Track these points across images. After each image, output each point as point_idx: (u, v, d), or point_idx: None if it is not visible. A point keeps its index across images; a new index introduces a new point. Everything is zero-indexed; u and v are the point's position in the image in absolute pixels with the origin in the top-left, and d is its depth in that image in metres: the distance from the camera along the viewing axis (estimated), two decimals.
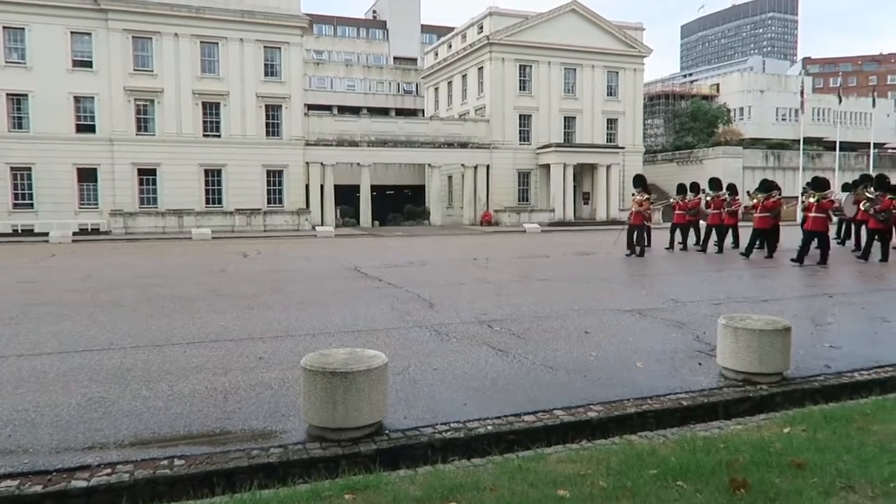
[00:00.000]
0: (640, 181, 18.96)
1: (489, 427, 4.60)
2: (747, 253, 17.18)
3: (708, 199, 19.60)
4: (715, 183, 19.67)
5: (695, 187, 20.57)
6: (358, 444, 4.25)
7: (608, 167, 43.21)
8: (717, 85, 71.35)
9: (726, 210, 18.80)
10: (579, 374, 5.91)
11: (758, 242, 17.62)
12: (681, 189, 20.46)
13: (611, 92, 46.53)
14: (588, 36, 44.95)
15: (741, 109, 65.11)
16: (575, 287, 12.12)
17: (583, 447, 4.28)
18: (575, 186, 43.55)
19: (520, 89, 44.25)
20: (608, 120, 46.57)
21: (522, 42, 43.67)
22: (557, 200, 42.08)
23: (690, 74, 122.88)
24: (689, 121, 60.29)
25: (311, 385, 4.31)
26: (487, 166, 43.16)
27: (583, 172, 44.14)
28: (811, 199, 15.83)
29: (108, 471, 3.84)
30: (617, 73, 46.56)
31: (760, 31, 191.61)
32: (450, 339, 7.33)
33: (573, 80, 45.46)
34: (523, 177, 44.45)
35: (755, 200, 17.76)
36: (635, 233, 17.81)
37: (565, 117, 45.41)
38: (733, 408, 5.25)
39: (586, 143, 44.55)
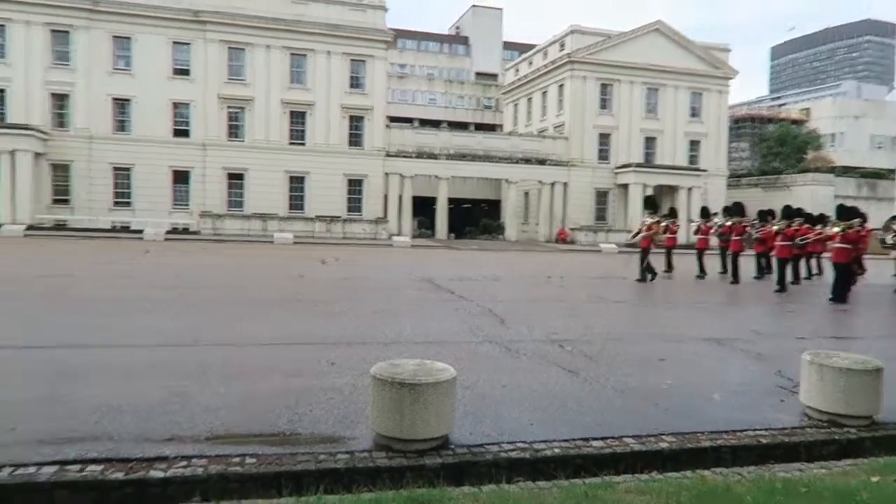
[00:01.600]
0: (650, 203, 18.16)
1: (556, 450, 4.51)
2: (835, 296, 14.60)
3: (774, 228, 18.07)
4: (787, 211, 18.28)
5: (763, 215, 18.89)
6: (423, 457, 4.25)
7: (689, 189, 41.96)
8: (808, 109, 68.14)
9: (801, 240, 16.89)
10: (652, 401, 5.73)
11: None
12: (762, 216, 19.19)
13: (694, 113, 45.30)
14: (671, 56, 43.99)
15: (832, 136, 61.89)
16: (651, 311, 11.79)
17: (653, 478, 4.14)
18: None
19: (600, 108, 43.73)
20: (691, 142, 45.33)
21: (604, 61, 43.19)
22: (635, 221, 41.12)
23: (779, 98, 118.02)
24: (776, 145, 57.80)
25: (379, 394, 4.36)
26: (565, 184, 42.75)
27: (662, 194, 42.91)
28: (835, 229, 14.60)
29: (184, 463, 3.99)
30: (701, 94, 45.31)
31: (856, 54, 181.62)
32: (520, 357, 7.26)
33: (655, 101, 44.54)
34: (601, 196, 43.78)
35: (835, 230, 16.52)
36: (646, 258, 16.60)
37: (646, 137, 44.51)
38: (817, 450, 4.95)
39: (667, 165, 43.46)
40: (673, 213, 20.54)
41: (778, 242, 15.91)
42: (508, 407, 5.39)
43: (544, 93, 47.86)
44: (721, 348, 8.31)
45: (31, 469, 3.81)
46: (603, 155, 43.99)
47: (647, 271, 16.57)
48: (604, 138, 43.96)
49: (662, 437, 4.85)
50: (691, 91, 45.06)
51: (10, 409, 4.83)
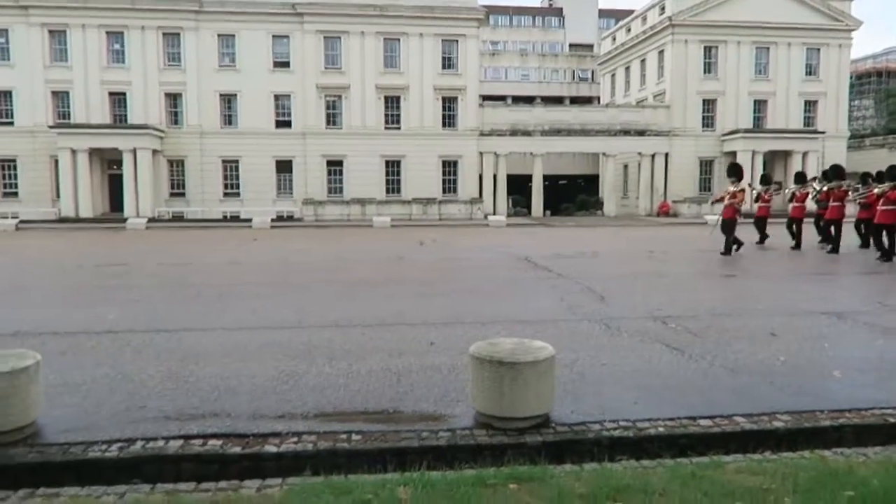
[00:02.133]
0: (734, 170, 16.71)
1: (660, 428, 4.39)
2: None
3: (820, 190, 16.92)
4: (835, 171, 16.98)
5: (865, 178, 16.80)
6: (524, 435, 4.26)
7: (804, 154, 39.19)
8: None
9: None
10: (764, 378, 5.45)
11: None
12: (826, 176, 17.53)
13: (810, 71, 42.04)
14: (783, 11, 40.90)
15: None
16: (762, 284, 11.19)
17: (766, 458, 3.94)
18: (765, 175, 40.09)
19: (704, 72, 41.52)
20: (806, 102, 42.20)
21: (708, 22, 40.88)
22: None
23: None
24: None
25: (478, 373, 4.39)
26: (666, 154, 41.12)
27: (774, 160, 40.40)
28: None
29: (295, 439, 4.20)
30: (818, 49, 42.00)
31: None
32: (621, 334, 7.10)
33: (765, 60, 41.74)
34: (705, 165, 41.77)
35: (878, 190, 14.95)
36: (731, 228, 15.57)
37: (755, 101, 41.88)
38: None
39: (779, 129, 40.77)
40: (767, 180, 19.51)
41: (879, 207, 14.45)
42: (610, 385, 5.29)
43: (643, 60, 46.04)
44: (842, 322, 7.76)
45: (160, 442, 4.13)
46: (707, 122, 41.86)
47: (733, 243, 15.60)
48: (708, 104, 41.78)
49: (777, 415, 4.60)
50: (807, 47, 41.84)
51: (140, 388, 5.25)
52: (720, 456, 4.01)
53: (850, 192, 16.47)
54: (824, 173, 17.46)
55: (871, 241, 15.52)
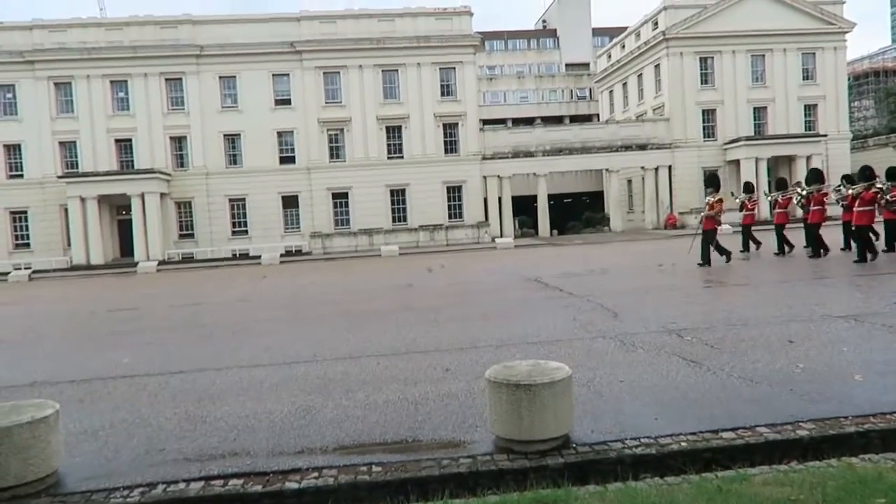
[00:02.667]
0: (712, 180, 16.54)
1: (683, 444, 4.34)
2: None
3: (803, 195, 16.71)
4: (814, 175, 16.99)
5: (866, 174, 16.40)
6: (545, 457, 4.22)
7: (808, 158, 39.13)
8: None
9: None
10: (784, 387, 5.39)
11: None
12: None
13: (807, 76, 42.22)
14: (777, 17, 41.25)
15: None
16: (776, 291, 11.10)
17: (792, 469, 3.88)
18: (769, 182, 40.05)
19: (701, 83, 41.77)
20: (805, 106, 42.29)
21: (702, 33, 41.23)
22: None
23: None
24: None
25: (496, 397, 4.37)
26: (669, 167, 41.20)
27: (777, 166, 40.36)
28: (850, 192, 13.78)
29: (316, 474, 4.18)
30: (813, 54, 42.21)
31: None
32: (636, 350, 7.05)
33: (762, 68, 41.97)
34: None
35: (850, 192, 15.08)
36: (710, 240, 15.45)
37: (754, 108, 42.01)
38: None
39: (780, 135, 40.80)
40: (749, 189, 19.51)
41: (856, 208, 14.56)
42: (629, 402, 5.24)
43: (640, 75, 46.37)
44: (860, 325, 7.68)
45: (181, 485, 4.12)
46: (708, 132, 41.98)
47: (720, 252, 15.56)
48: (708, 114, 41.94)
49: (800, 424, 4.54)
50: (802, 52, 42.07)
51: (158, 431, 5.25)
52: (746, 469, 3.96)
53: (830, 195, 16.50)
54: (807, 178, 17.29)
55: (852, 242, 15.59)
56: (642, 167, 41.39)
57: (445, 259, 25.60)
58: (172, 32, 37.91)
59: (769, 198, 19.44)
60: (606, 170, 41.92)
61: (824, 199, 16.40)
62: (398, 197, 39.85)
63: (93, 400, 6.39)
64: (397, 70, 39.38)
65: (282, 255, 34.43)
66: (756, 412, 4.81)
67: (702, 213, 16.14)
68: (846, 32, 42.58)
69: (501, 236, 37.44)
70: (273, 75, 38.76)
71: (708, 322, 8.42)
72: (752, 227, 19.05)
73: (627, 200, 45.72)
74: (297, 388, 6.32)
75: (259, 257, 33.08)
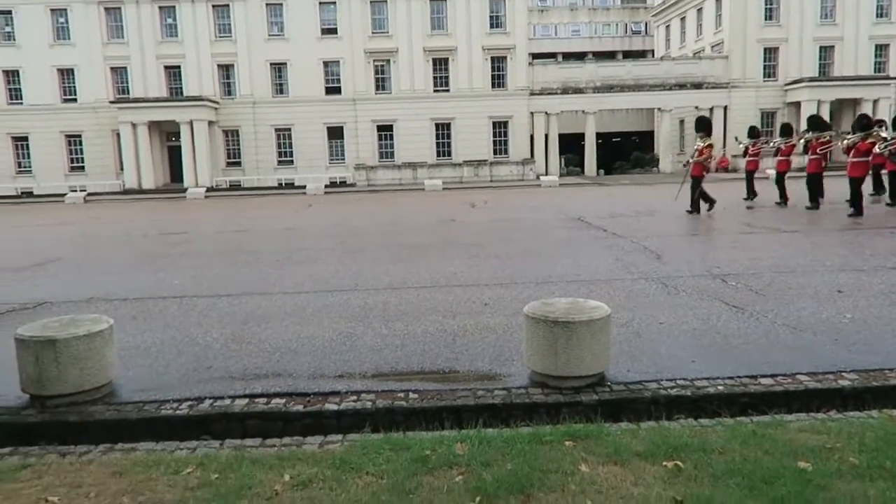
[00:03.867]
0: (703, 124, 15.65)
1: (720, 387, 4.32)
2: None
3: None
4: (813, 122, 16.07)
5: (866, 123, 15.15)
6: (579, 394, 4.26)
7: (875, 102, 37.08)
8: None
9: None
10: (829, 336, 5.28)
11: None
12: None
13: (881, 13, 39.46)
14: None
15: None
16: (828, 239, 10.77)
17: (830, 418, 3.84)
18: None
19: (765, 18, 39.46)
20: (877, 46, 39.71)
21: None
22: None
23: None
24: None
25: (533, 333, 4.40)
26: (725, 107, 39.57)
27: (842, 109, 38.37)
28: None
29: (355, 398, 4.32)
30: None
31: None
32: (678, 293, 6.97)
33: (832, 3, 39.32)
34: (767, 117, 39.97)
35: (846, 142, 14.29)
36: (698, 187, 14.85)
37: (821, 47, 39.65)
38: None
39: (847, 76, 38.59)
40: (754, 133, 18.63)
41: (850, 159, 14.06)
42: (667, 344, 5.22)
43: (700, 9, 44.06)
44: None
45: (227, 401, 4.32)
46: (769, 72, 39.96)
47: (705, 200, 14.90)
48: (770, 53, 39.82)
49: (842, 373, 4.47)
50: None
51: (206, 350, 5.48)
52: (782, 415, 3.93)
53: (833, 143, 15.56)
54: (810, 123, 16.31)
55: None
56: (696, 107, 39.82)
57: (489, 195, 25.45)
58: None
59: (754, 144, 18.59)
60: (659, 109, 40.57)
61: (819, 147, 15.40)
62: (443, 131, 39.43)
63: (145, 318, 6.67)
64: (445, 0, 38.29)
65: (326, 186, 34.70)
66: (797, 360, 4.74)
67: (690, 158, 15.44)
68: None
69: (547, 174, 36.89)
70: (320, 3, 38.13)
71: (755, 268, 8.23)
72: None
73: (679, 142, 44.27)
74: (339, 315, 6.47)
75: (304, 187, 33.43)
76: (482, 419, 3.98)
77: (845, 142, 14.22)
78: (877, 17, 39.48)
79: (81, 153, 38.87)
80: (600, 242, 11.15)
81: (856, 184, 13.68)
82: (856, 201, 13.68)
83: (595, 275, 8.18)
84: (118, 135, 37.18)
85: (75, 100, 38.34)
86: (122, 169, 37.65)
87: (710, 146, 15.08)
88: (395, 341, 5.53)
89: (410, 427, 3.98)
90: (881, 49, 39.85)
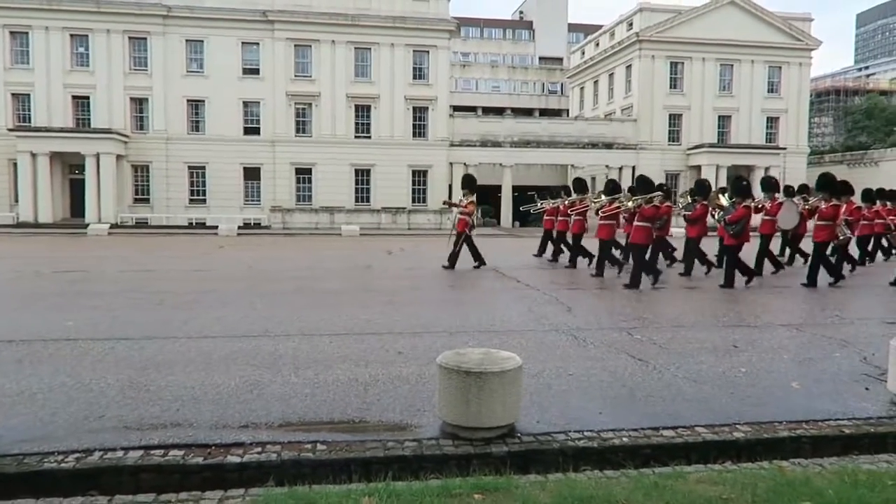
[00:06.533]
0: (468, 181, 16.16)
1: (625, 439, 4.44)
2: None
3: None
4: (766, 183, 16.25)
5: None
6: (490, 445, 4.27)
7: (766, 169, 40.03)
8: None
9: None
10: (725, 390, 5.56)
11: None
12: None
13: (772, 88, 43.27)
14: (747, 29, 42.11)
15: None
16: (725, 296, 11.40)
17: (726, 469, 4.02)
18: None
19: (670, 87, 42.43)
20: (768, 118, 43.40)
21: (674, 38, 41.83)
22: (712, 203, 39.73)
23: (867, 68, 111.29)
24: (863, 119, 54.72)
25: (445, 383, 4.39)
26: (633, 167, 41.71)
27: (739, 174, 41.24)
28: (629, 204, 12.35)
29: (259, 449, 4.14)
30: (779, 67, 43.27)
31: None
32: (587, 345, 7.17)
33: (729, 77, 42.82)
34: (672, 179, 42.43)
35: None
36: (463, 244, 15.16)
37: (719, 116, 42.94)
38: None
39: (742, 144, 41.77)
40: (581, 188, 17.08)
41: (636, 222, 12.27)
42: (576, 396, 5.33)
43: (611, 74, 46.79)
44: (801, 334, 7.95)
45: (119, 453, 4.04)
46: (673, 136, 42.72)
47: (475, 257, 15.16)
48: (674, 119, 42.66)
49: (737, 426, 4.70)
50: (769, 65, 43.08)
51: (99, 397, 5.13)
52: (682, 466, 4.08)
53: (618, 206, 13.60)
54: (630, 187, 15.23)
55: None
56: (607, 166, 41.86)
57: (406, 243, 25.52)
58: None
59: (581, 200, 16.68)
60: (572, 165, 42.30)
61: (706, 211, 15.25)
62: (363, 177, 39.50)
63: (32, 361, 6.20)
64: (370, 49, 38.88)
65: (240, 228, 33.81)
66: (696, 412, 4.95)
67: (456, 214, 15.48)
68: (812, 49, 43.70)
69: None
70: (242, 43, 37.86)
71: (657, 322, 8.60)
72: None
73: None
74: (246, 362, 6.24)
75: (216, 228, 32.43)
76: (392, 471, 3.91)
77: (630, 203, 12.64)
78: (768, 92, 43.16)
79: None
80: (514, 293, 11.35)
81: (637, 249, 12.44)
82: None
83: (508, 325, 8.30)
84: (15, 164, 35.07)
85: None
86: (16, 201, 35.39)
87: (473, 203, 15.30)
88: (304, 390, 5.38)
89: (317, 480, 3.85)
90: (772, 121, 43.49)
